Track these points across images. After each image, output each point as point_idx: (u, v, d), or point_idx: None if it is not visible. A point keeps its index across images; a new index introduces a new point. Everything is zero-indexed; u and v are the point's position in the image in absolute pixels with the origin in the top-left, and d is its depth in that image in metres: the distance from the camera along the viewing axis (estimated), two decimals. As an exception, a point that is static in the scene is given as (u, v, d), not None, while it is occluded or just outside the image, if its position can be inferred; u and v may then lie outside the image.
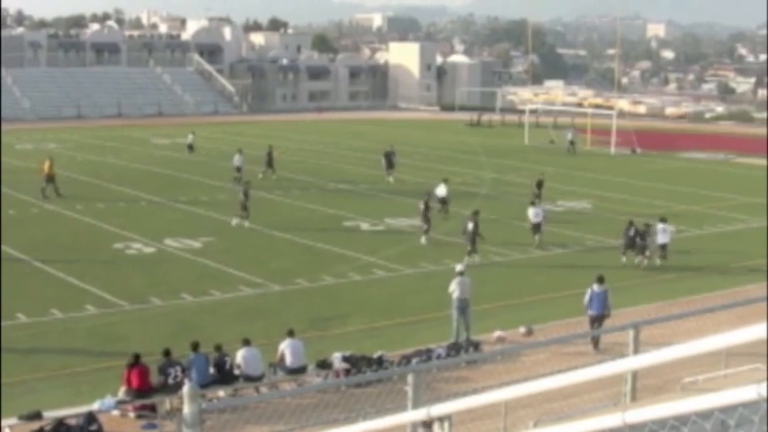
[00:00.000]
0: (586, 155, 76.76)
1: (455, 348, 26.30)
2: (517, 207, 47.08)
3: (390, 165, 60.02)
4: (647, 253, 38.42)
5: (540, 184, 50.70)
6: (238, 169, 56.99)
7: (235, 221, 44.36)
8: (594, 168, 67.70)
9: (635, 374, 12.29)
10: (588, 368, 6.23)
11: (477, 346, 26.80)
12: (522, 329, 28.11)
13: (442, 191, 48.33)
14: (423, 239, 41.85)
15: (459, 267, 29.36)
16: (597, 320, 27.28)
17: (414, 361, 24.10)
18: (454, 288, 28.14)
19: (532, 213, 41.91)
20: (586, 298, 27.69)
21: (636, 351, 12.24)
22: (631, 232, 38.66)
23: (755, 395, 4.41)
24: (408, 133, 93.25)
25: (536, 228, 41.50)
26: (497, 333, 28.08)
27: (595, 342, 26.14)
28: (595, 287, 27.63)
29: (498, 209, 48.58)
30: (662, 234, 38.84)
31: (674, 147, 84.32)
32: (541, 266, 38.16)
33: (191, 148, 71.15)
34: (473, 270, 32.70)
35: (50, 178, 51.41)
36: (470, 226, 38.62)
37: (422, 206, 42.46)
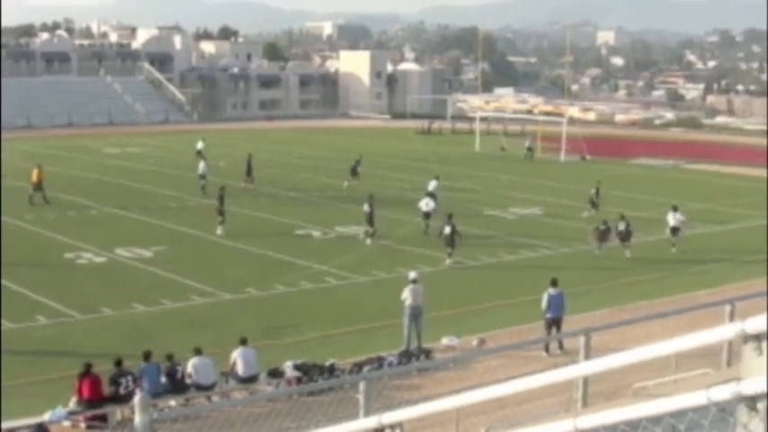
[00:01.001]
0: (537, 162, 77.17)
1: (406, 356, 26.30)
2: (469, 214, 47.19)
3: (354, 173, 60.39)
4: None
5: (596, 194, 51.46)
6: (202, 177, 56.73)
7: (219, 231, 44.28)
8: (545, 175, 68.00)
9: (586, 380, 12.33)
10: (539, 374, 6.23)
11: (428, 353, 26.80)
12: (474, 342, 28.10)
13: (432, 186, 50.80)
14: (368, 241, 42.87)
15: (411, 275, 29.36)
16: (555, 323, 27.58)
17: (365, 369, 24.07)
18: (407, 295, 28.15)
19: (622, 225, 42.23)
20: (544, 302, 27.98)
21: (587, 357, 12.28)
22: (602, 227, 41.84)
23: (705, 400, 4.43)
24: (359, 141, 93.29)
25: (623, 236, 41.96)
26: (444, 341, 28.08)
27: (559, 344, 26.44)
28: (551, 290, 27.94)
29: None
30: (673, 221, 43.35)
31: (624, 153, 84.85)
32: (494, 273, 38.31)
33: (200, 153, 69.94)
34: (427, 277, 32.73)
35: (38, 186, 51.43)
36: (447, 230, 39.31)
37: (366, 208, 43.41)
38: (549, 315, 27.84)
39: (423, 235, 44.40)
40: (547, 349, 26.72)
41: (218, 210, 45.17)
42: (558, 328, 27.41)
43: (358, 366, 24.70)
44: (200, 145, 71.99)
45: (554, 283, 28.25)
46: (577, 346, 15.84)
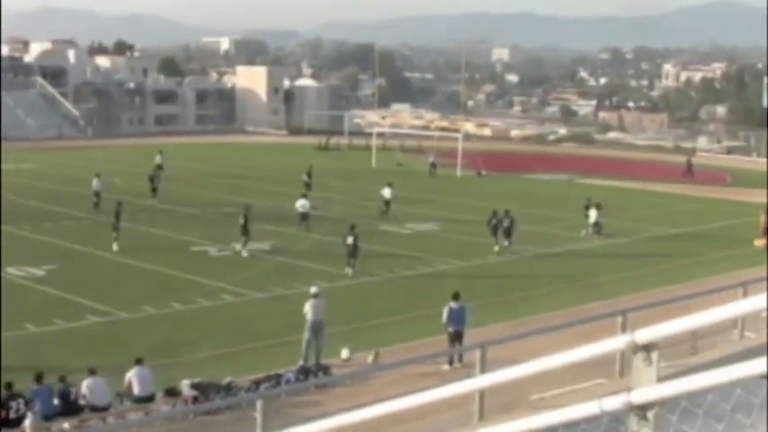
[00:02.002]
0: (433, 177, 77.60)
1: (304, 372, 26.23)
2: (366, 229, 47.31)
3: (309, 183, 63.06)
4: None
5: (592, 206, 52.60)
6: (97, 194, 55.99)
7: (115, 247, 43.80)
8: (441, 191, 68.45)
9: (483, 394, 12.43)
10: (436, 389, 6.26)
11: (326, 369, 26.77)
12: (369, 359, 28.08)
13: (387, 193, 53.99)
14: (244, 252, 43.53)
15: (313, 289, 29.34)
16: (456, 337, 27.78)
17: (263, 387, 23.97)
18: (308, 310, 28.11)
19: None
20: (444, 315, 28.12)
21: (483, 370, 12.39)
22: (494, 221, 46.45)
23: (597, 410, 4.49)
24: (256, 157, 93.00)
25: None
26: (343, 353, 28.11)
27: (459, 357, 26.65)
28: (452, 304, 28.14)
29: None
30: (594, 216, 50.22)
31: (518, 168, 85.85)
32: (391, 288, 38.44)
33: (160, 167, 69.64)
34: (325, 292, 32.70)
35: None
36: (350, 240, 40.17)
37: (241, 220, 44.46)
38: (450, 329, 28.01)
39: (319, 247, 44.50)
40: (451, 362, 26.88)
41: (113, 226, 44.82)
42: (460, 341, 27.62)
43: (255, 384, 24.57)
44: (158, 159, 71.92)
45: (455, 297, 28.46)
46: (508, 355, 15.91)
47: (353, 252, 40.23)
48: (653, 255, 46.45)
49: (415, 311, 33.75)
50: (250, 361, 27.99)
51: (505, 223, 46.33)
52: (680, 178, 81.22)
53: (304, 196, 51.36)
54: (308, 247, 45.83)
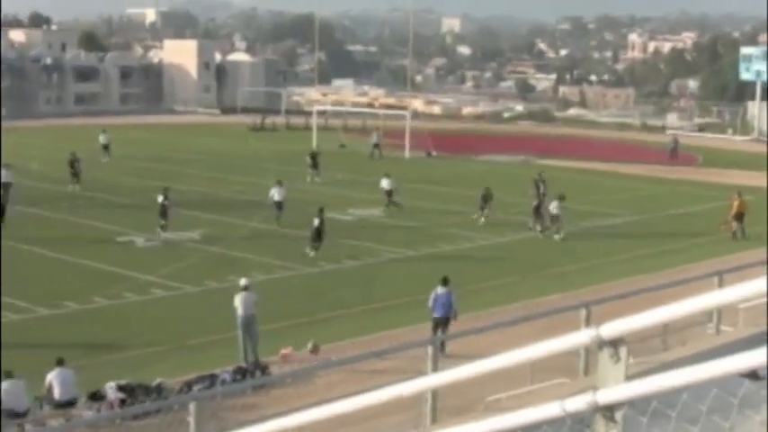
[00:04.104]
0: (377, 159, 77.39)
1: (241, 372, 26.15)
2: (306, 217, 47.22)
3: (315, 165, 64.48)
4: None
5: (541, 182, 53.29)
6: (6, 186, 54.97)
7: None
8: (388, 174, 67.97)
9: (435, 394, 12.42)
10: (384, 389, 6.22)
11: (264, 368, 26.69)
12: (309, 345, 28.09)
13: (386, 184, 54.12)
14: (162, 235, 44.55)
15: (243, 282, 29.28)
16: (442, 323, 28.00)
17: (196, 388, 23.88)
18: (238, 304, 28.04)
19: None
20: (430, 301, 28.66)
21: (435, 368, 12.36)
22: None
23: (559, 411, 4.47)
24: (186, 139, 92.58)
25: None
26: (282, 351, 28.07)
27: (440, 347, 26.83)
28: (439, 289, 28.49)
29: (286, 220, 48.40)
30: (555, 209, 47.59)
31: (471, 149, 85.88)
32: (333, 280, 38.39)
33: (106, 148, 69.87)
34: (262, 286, 32.60)
35: None
36: (316, 222, 41.57)
37: (160, 199, 45.50)
38: (434, 315, 28.48)
39: (255, 236, 44.48)
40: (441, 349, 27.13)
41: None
42: (445, 329, 27.86)
43: (188, 385, 24.47)
44: (102, 139, 72.75)
45: (444, 282, 28.89)
46: (464, 351, 15.92)
47: (318, 235, 41.57)
48: (619, 242, 46.62)
49: (357, 305, 33.74)
50: (182, 360, 27.86)
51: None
52: (649, 159, 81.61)
53: (279, 183, 50.66)
54: (244, 236, 45.68)
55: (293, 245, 43.05)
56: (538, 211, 48.43)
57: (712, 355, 3.99)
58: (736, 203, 48.38)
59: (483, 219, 49.90)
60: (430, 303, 28.75)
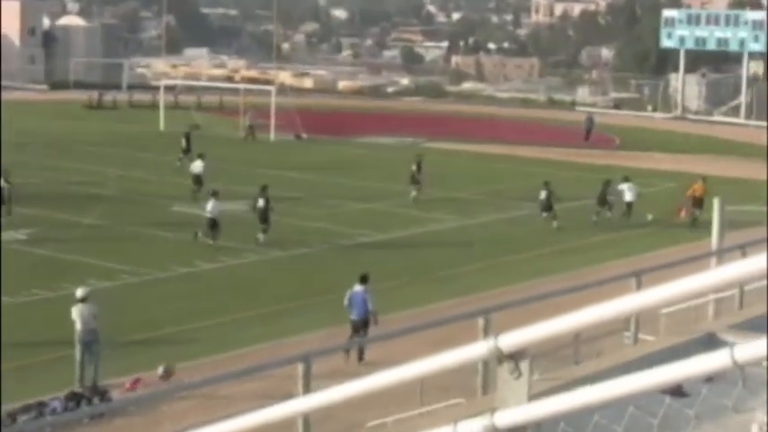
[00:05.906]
0: (238, 143, 76.95)
1: (75, 399, 25.81)
2: (155, 212, 46.95)
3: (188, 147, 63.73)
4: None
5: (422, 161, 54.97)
6: None
7: None
8: (250, 160, 67.02)
9: (307, 419, 12.35)
10: (246, 415, 6.20)
11: (104, 394, 26.38)
12: (159, 370, 27.75)
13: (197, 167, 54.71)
14: None
15: (79, 292, 28.71)
16: (361, 326, 28.23)
17: (21, 419, 23.59)
18: (75, 317, 27.66)
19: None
20: (346, 299, 29.43)
21: (307, 389, 12.28)
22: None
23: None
24: (11, 119, 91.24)
25: None
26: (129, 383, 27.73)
27: (359, 355, 27.05)
28: (356, 287, 29.33)
29: (131, 216, 47.99)
30: (628, 193, 51.18)
31: (349, 130, 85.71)
32: (188, 287, 38.19)
33: None
34: (104, 294, 32.25)
35: None
36: (261, 203, 43.89)
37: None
38: (351, 317, 29.21)
39: (93, 236, 44.08)
40: (360, 358, 27.31)
41: None
42: (365, 331, 28.18)
43: (11, 417, 24.14)
44: None
45: (362, 280, 29.69)
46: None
47: (264, 216, 44.23)
48: (523, 239, 46.85)
49: (217, 317, 33.58)
50: (7, 384, 27.43)
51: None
52: (557, 141, 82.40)
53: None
54: (78, 237, 45.12)
55: (141, 245, 42.76)
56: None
57: (630, 368, 4.04)
58: (696, 187, 49.58)
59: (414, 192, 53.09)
60: (345, 302, 29.41)
